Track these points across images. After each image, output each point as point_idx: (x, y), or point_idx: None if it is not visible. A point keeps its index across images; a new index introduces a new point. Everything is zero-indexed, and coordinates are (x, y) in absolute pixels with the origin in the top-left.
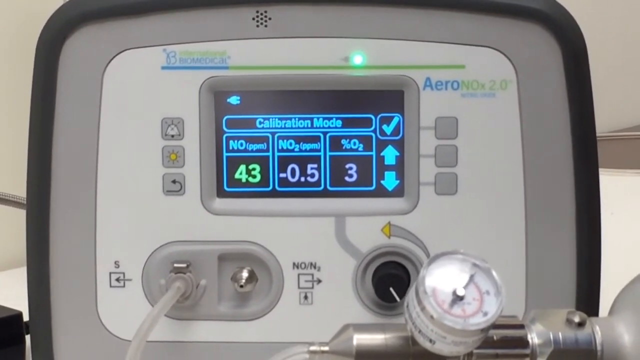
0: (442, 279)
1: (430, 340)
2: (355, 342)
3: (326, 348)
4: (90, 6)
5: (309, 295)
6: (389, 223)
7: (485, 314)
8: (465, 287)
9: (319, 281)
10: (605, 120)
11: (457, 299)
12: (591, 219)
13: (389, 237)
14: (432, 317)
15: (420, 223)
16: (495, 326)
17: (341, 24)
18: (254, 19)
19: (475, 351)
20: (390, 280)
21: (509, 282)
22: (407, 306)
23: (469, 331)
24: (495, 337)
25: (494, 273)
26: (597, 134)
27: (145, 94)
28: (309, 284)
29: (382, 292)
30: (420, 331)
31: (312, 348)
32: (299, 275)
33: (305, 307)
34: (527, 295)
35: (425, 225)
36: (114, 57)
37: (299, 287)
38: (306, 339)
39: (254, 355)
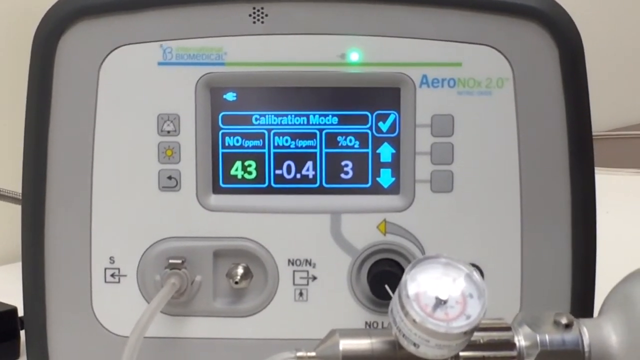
0: (425, 283)
1: (415, 344)
2: (341, 347)
3: (313, 354)
4: (86, 2)
5: (304, 292)
6: (385, 220)
7: (468, 317)
8: (448, 291)
9: (314, 278)
10: (601, 119)
11: (440, 302)
12: (586, 218)
13: (384, 235)
14: (414, 321)
15: (415, 220)
16: (481, 329)
17: (338, 21)
18: (250, 15)
19: (461, 354)
20: (385, 277)
21: (503, 280)
22: (392, 311)
23: (452, 334)
24: (481, 340)
25: (477, 276)
26: (593, 133)
27: (141, 90)
28: (304, 281)
29: (377, 290)
30: (404, 335)
31: (299, 354)
32: (294, 272)
33: (300, 303)
34: (522, 293)
35: (420, 222)
36: (110, 52)
37: (294, 284)
38: (301, 335)
39: (248, 352)
